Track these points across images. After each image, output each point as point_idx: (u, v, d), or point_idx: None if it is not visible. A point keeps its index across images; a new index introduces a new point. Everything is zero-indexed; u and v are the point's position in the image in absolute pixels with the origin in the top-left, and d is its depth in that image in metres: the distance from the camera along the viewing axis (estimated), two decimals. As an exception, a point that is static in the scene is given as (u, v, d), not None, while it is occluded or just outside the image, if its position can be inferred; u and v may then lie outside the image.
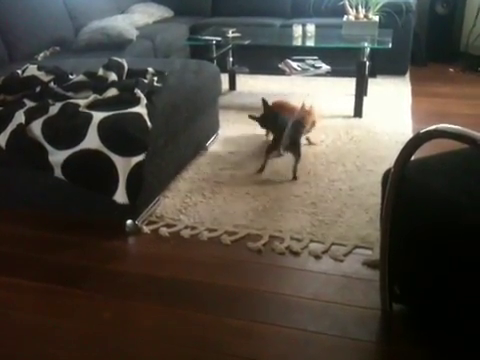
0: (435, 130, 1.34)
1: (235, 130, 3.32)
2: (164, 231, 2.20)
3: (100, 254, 2.07)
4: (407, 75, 4.46)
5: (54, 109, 2.20)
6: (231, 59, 4.17)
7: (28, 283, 1.91)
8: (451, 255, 1.39)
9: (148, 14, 4.78)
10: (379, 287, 1.67)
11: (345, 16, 3.75)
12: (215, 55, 3.75)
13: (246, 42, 3.68)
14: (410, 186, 1.51)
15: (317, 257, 2.00)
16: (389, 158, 1.42)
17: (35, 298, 1.83)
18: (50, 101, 2.29)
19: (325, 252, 2.02)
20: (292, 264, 1.97)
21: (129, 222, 2.20)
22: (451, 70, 4.65)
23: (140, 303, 1.78)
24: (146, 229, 2.21)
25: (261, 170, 2.71)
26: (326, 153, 2.92)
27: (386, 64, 4.18)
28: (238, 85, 4.22)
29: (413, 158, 1.46)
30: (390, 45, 3.40)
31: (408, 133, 3.05)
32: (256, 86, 4.25)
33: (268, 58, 4.02)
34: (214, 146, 3.07)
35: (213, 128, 3.16)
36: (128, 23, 4.12)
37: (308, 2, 4.34)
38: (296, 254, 2.02)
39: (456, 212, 1.37)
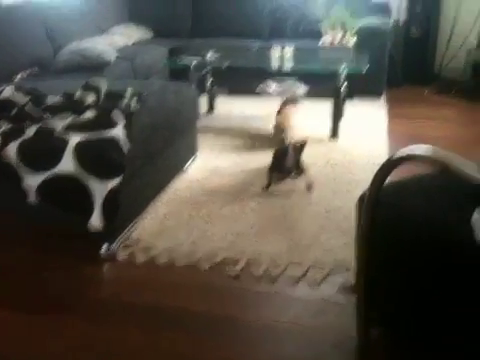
0: (407, 155, 1.35)
1: (214, 152, 3.33)
2: (140, 255, 2.18)
3: (75, 280, 2.04)
4: (383, 97, 4.54)
5: (30, 131, 2.19)
6: (210, 80, 4.20)
7: None
8: (428, 278, 1.41)
9: (127, 35, 4.79)
10: (356, 311, 1.67)
11: (322, 39, 3.82)
12: (194, 77, 3.77)
13: (225, 64, 3.71)
14: (386, 209, 1.52)
15: (295, 281, 2.00)
16: (365, 180, 1.44)
17: (7, 327, 1.79)
18: (27, 123, 2.27)
19: (302, 276, 2.02)
20: (269, 289, 1.96)
21: (105, 246, 2.18)
22: (426, 92, 4.75)
23: (116, 330, 1.76)
24: (122, 253, 2.19)
25: (267, 187, 2.75)
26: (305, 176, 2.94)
27: (362, 86, 4.24)
28: (217, 107, 4.24)
29: (388, 181, 1.47)
30: (366, 68, 3.47)
31: (384, 155, 3.09)
32: (235, 108, 4.27)
33: (247, 79, 4.05)
34: (192, 168, 3.07)
35: (191, 150, 3.16)
36: (107, 44, 4.12)
37: (286, 24, 4.40)
38: (273, 278, 2.02)
39: (433, 234, 1.39)
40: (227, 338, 1.71)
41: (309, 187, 2.75)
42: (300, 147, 2.74)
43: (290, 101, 3.30)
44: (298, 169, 2.72)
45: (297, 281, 2.00)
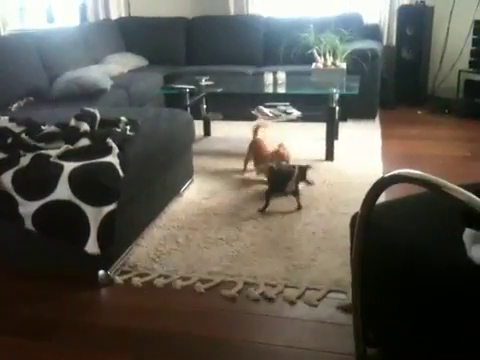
0: (398, 175, 1.36)
1: (209, 176, 3.34)
2: (137, 281, 2.17)
3: (72, 306, 2.03)
4: (377, 118, 4.59)
5: (25, 160, 2.20)
6: (205, 106, 4.24)
7: (-4, 339, 1.86)
8: (422, 298, 1.40)
9: (122, 64, 4.85)
10: (353, 332, 1.66)
11: (314, 63, 3.88)
12: (189, 103, 3.81)
13: (219, 90, 3.76)
14: (378, 230, 1.53)
15: (291, 303, 1.99)
16: (361, 200, 1.45)
17: (3, 353, 1.77)
18: (21, 152, 2.28)
19: (299, 297, 2.02)
20: (266, 311, 1.95)
21: (101, 272, 2.17)
22: (419, 113, 4.80)
23: (113, 356, 1.74)
24: (119, 279, 2.18)
25: (265, 208, 2.79)
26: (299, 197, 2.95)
27: (356, 108, 4.30)
28: (212, 131, 4.27)
29: (382, 201, 1.48)
30: (357, 91, 3.51)
31: (378, 175, 3.10)
32: (230, 132, 4.31)
33: (241, 105, 4.10)
34: (189, 192, 3.08)
35: (187, 174, 3.18)
36: (102, 73, 4.18)
37: (278, 50, 4.47)
38: (270, 300, 2.01)
39: (425, 256, 1.39)
40: (224, 362, 1.69)
41: (300, 206, 2.81)
42: (305, 170, 2.84)
43: (260, 126, 3.40)
44: (297, 192, 2.82)
45: (294, 302, 1.98)
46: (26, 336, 1.86)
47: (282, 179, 2.79)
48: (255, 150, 3.26)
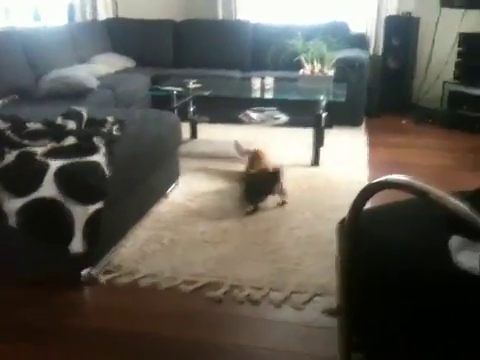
0: (385, 182, 1.36)
1: (195, 178, 3.33)
2: (121, 281, 2.15)
3: (55, 308, 2.00)
4: (362, 126, 4.63)
5: (10, 157, 2.17)
6: (192, 109, 4.23)
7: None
8: (409, 303, 1.41)
9: (109, 64, 4.82)
10: (337, 336, 1.66)
11: (301, 70, 3.90)
12: (176, 105, 3.80)
13: (206, 93, 3.76)
14: (365, 235, 1.53)
15: (277, 306, 1.99)
16: (347, 206, 1.46)
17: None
18: (6, 149, 2.25)
19: (285, 301, 2.01)
20: (252, 313, 1.95)
21: (85, 272, 2.14)
22: (403, 122, 4.85)
23: (96, 359, 1.72)
24: (103, 279, 2.15)
25: (254, 211, 2.82)
26: (285, 201, 2.95)
27: (342, 115, 4.32)
28: (199, 133, 4.26)
29: (369, 207, 1.49)
30: (344, 98, 3.54)
31: (364, 181, 3.13)
32: (217, 135, 4.30)
33: (228, 108, 4.10)
34: (174, 194, 3.07)
35: (173, 176, 3.17)
36: (89, 72, 4.14)
37: (266, 56, 4.49)
38: (256, 303, 2.00)
39: (412, 260, 1.40)
40: (209, 364, 1.68)
41: (283, 203, 2.91)
42: (281, 172, 2.87)
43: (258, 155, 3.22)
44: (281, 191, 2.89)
45: (280, 305, 1.98)
46: (7, 340, 1.82)
47: (268, 182, 2.83)
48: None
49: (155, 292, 2.08)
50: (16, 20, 5.54)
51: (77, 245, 2.03)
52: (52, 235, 2.07)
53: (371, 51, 5.15)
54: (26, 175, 2.08)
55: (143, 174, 2.59)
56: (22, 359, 1.73)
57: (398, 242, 1.47)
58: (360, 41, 5.02)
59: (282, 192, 2.90)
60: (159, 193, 2.94)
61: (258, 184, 2.86)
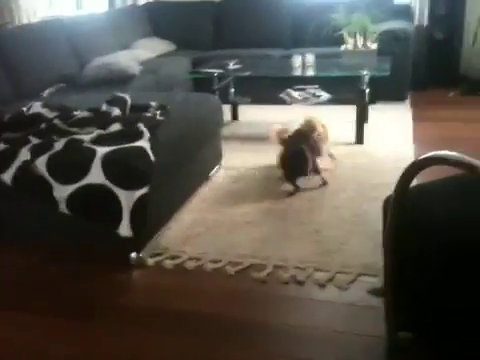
0: (433, 157, 1.34)
1: (238, 160, 3.35)
2: (168, 263, 2.20)
3: (105, 287, 2.08)
4: (407, 101, 4.51)
5: (59, 145, 2.24)
6: (233, 90, 4.24)
7: (32, 317, 1.92)
8: (459, 280, 1.39)
9: (151, 49, 4.88)
10: (384, 315, 1.66)
11: (343, 45, 3.82)
12: (217, 87, 3.81)
13: (247, 73, 3.75)
14: (412, 212, 1.51)
15: (322, 286, 1.99)
16: (392, 184, 1.43)
17: (40, 332, 1.83)
18: (55, 137, 2.33)
19: (330, 281, 2.02)
20: (297, 293, 1.97)
21: (133, 254, 2.21)
22: (451, 94, 4.69)
23: (146, 336, 1.78)
24: (150, 261, 2.22)
25: (296, 190, 2.82)
26: (329, 180, 2.93)
27: (386, 90, 4.22)
28: (240, 115, 4.27)
29: (415, 183, 1.46)
30: (389, 72, 3.45)
31: (410, 158, 3.04)
32: (258, 116, 4.30)
33: (269, 88, 4.07)
34: (217, 176, 3.10)
35: (216, 158, 3.20)
36: (131, 58, 4.21)
37: (307, 32, 4.42)
38: (300, 283, 2.02)
39: (462, 236, 1.37)
40: (255, 343, 1.71)
41: (324, 183, 2.88)
42: (312, 148, 2.85)
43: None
44: (315, 169, 2.88)
45: (324, 285, 1.99)
46: (61, 315, 1.92)
47: (297, 161, 2.80)
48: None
49: (201, 273, 2.13)
50: (59, 9, 5.66)
51: (125, 229, 2.09)
52: (101, 220, 2.14)
53: (416, 22, 4.98)
54: (74, 162, 2.15)
55: (187, 157, 2.62)
56: (73, 333, 1.81)
57: (446, 216, 1.44)
58: (404, 12, 4.86)
59: (317, 171, 2.86)
60: (203, 176, 2.98)
61: (289, 164, 2.83)
